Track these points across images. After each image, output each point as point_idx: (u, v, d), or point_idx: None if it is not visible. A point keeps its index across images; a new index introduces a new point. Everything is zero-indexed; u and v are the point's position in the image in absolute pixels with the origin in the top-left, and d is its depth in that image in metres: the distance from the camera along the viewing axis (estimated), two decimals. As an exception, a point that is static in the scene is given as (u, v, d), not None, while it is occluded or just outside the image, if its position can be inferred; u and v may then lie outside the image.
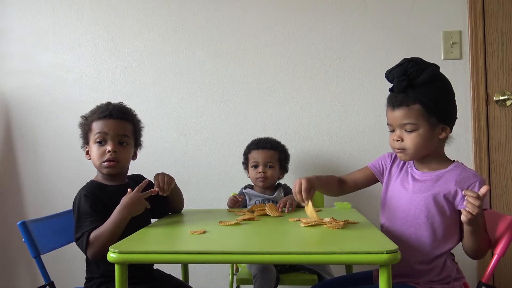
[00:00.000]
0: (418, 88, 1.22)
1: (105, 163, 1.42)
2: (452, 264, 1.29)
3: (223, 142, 2.21)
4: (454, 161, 1.32)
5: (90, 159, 1.49)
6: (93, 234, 1.30)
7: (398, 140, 1.27)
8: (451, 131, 1.30)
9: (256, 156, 1.95)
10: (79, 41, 2.27)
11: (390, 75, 1.27)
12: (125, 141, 1.47)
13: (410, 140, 1.25)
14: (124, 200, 1.34)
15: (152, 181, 1.52)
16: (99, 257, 1.30)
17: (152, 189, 1.41)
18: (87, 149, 1.50)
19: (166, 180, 1.46)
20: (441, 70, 1.25)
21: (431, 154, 1.30)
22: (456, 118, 1.31)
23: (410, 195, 1.31)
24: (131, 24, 2.25)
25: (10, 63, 2.30)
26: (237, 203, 1.85)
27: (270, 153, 1.95)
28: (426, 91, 1.21)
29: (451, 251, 1.51)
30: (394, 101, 1.26)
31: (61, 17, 2.28)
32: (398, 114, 1.25)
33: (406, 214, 1.30)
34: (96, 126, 1.44)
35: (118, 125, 1.46)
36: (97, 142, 1.43)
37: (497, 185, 2.10)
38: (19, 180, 2.29)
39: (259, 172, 1.93)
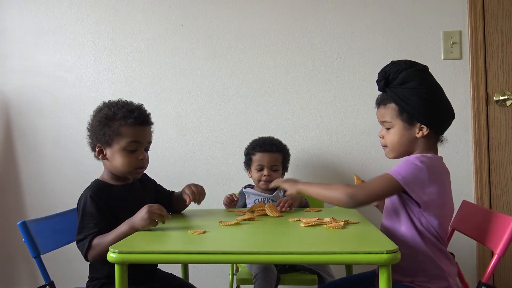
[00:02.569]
0: (393, 89, 1.31)
1: (136, 170, 1.42)
2: (441, 260, 1.27)
3: (223, 142, 2.21)
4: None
5: (104, 159, 1.43)
6: (96, 240, 1.29)
7: (381, 138, 1.38)
8: (437, 132, 1.32)
9: (261, 158, 1.93)
10: (79, 41, 2.27)
11: (377, 76, 1.37)
12: (149, 147, 1.48)
13: (387, 137, 1.34)
14: (136, 218, 1.27)
15: (154, 179, 1.54)
16: (97, 260, 1.29)
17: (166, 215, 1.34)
18: (100, 149, 1.42)
19: (199, 190, 1.43)
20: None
21: (414, 152, 1.33)
22: (442, 119, 1.32)
23: None
24: (131, 24, 2.25)
25: (10, 63, 2.30)
26: (233, 202, 1.86)
27: (275, 156, 1.94)
28: (399, 91, 1.29)
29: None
30: (376, 100, 1.39)
31: (61, 17, 2.28)
32: (379, 112, 1.37)
33: (386, 208, 1.39)
34: (129, 132, 1.39)
35: (148, 133, 1.46)
36: (128, 150, 1.39)
37: (497, 185, 2.10)
38: (19, 180, 2.29)
39: (265, 176, 1.91)
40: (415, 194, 1.21)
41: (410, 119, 1.29)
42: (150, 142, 1.49)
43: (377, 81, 1.35)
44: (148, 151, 1.50)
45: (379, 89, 1.36)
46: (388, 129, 1.34)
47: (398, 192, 1.24)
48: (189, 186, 1.45)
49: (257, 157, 1.94)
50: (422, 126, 1.29)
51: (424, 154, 1.28)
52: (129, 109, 1.42)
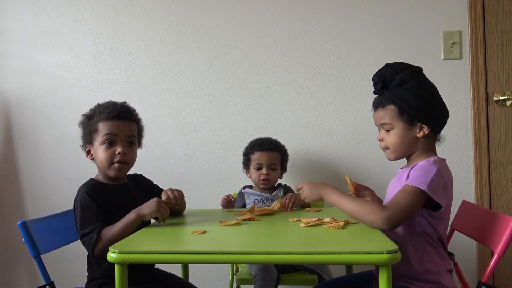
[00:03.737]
0: (391, 90, 1.31)
1: (115, 165, 1.41)
2: (435, 260, 1.27)
3: (223, 142, 2.21)
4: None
5: (92, 159, 1.46)
6: (104, 232, 1.29)
7: (380, 140, 1.38)
8: (436, 131, 1.33)
9: (260, 157, 1.94)
10: (79, 41, 2.27)
11: (372, 79, 1.38)
12: (133, 142, 1.47)
13: (388, 139, 1.34)
14: (144, 206, 1.33)
15: (153, 181, 1.53)
16: (104, 254, 1.28)
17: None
18: (88, 149, 1.46)
19: (176, 195, 1.40)
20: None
21: (415, 153, 1.33)
22: (440, 118, 1.33)
23: (389, 192, 1.37)
24: (131, 24, 2.25)
25: (10, 63, 2.30)
26: (230, 202, 1.88)
27: (273, 155, 1.95)
28: (397, 93, 1.30)
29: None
30: (373, 103, 1.39)
31: (61, 17, 2.28)
32: (377, 115, 1.37)
33: None
34: (104, 127, 1.41)
35: (126, 126, 1.44)
36: (106, 143, 1.40)
37: (497, 185, 2.10)
38: (19, 180, 2.29)
39: (263, 174, 1.92)
40: (440, 198, 1.20)
41: (410, 119, 1.30)
42: (133, 137, 1.46)
43: (374, 84, 1.35)
44: (136, 148, 1.49)
45: (375, 92, 1.37)
46: (388, 131, 1.34)
47: (424, 201, 1.21)
48: (165, 191, 1.40)
49: (255, 156, 1.95)
50: (423, 125, 1.30)
51: (434, 158, 1.27)
52: (106, 106, 1.45)
